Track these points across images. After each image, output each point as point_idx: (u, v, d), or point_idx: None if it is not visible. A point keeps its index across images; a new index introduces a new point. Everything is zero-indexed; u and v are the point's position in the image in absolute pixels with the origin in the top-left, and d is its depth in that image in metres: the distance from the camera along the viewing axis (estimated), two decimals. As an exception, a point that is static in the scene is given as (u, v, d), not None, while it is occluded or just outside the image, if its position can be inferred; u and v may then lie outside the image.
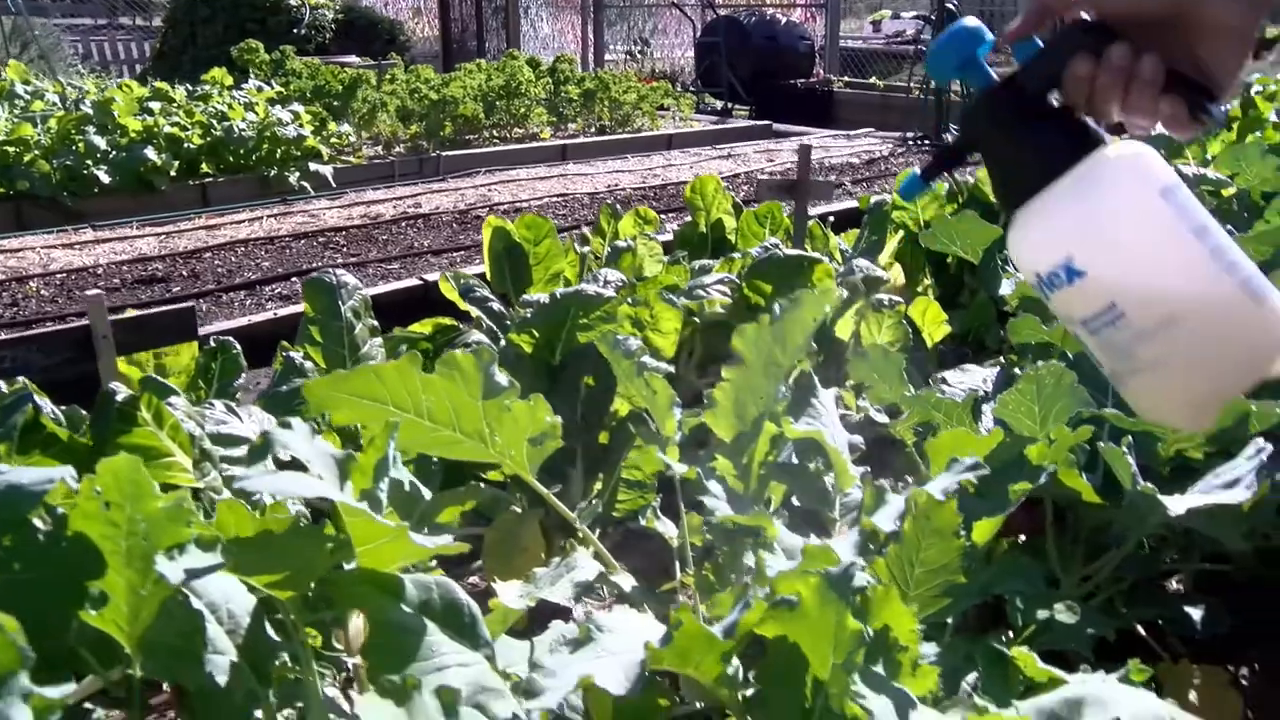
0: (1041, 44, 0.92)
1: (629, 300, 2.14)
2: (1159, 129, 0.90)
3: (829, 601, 0.90)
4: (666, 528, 1.84)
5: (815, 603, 0.91)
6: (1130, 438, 1.66)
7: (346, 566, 1.11)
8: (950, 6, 9.74)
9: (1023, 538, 1.79)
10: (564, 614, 2.17)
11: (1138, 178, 0.87)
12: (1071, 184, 0.88)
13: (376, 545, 1.06)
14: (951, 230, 2.68)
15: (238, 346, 2.31)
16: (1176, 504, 1.37)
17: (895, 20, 20.85)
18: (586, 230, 2.87)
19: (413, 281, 4.34)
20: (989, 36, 0.94)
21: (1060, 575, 1.74)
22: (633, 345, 1.78)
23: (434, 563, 2.24)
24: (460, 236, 5.31)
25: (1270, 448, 1.43)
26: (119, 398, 1.56)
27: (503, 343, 2.07)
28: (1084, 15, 0.89)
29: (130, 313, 2.29)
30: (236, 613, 1.15)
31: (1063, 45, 0.90)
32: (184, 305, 1.80)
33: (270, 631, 1.20)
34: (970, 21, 0.96)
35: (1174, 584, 2.08)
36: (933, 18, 9.87)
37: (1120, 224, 0.86)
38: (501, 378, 1.57)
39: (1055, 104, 0.92)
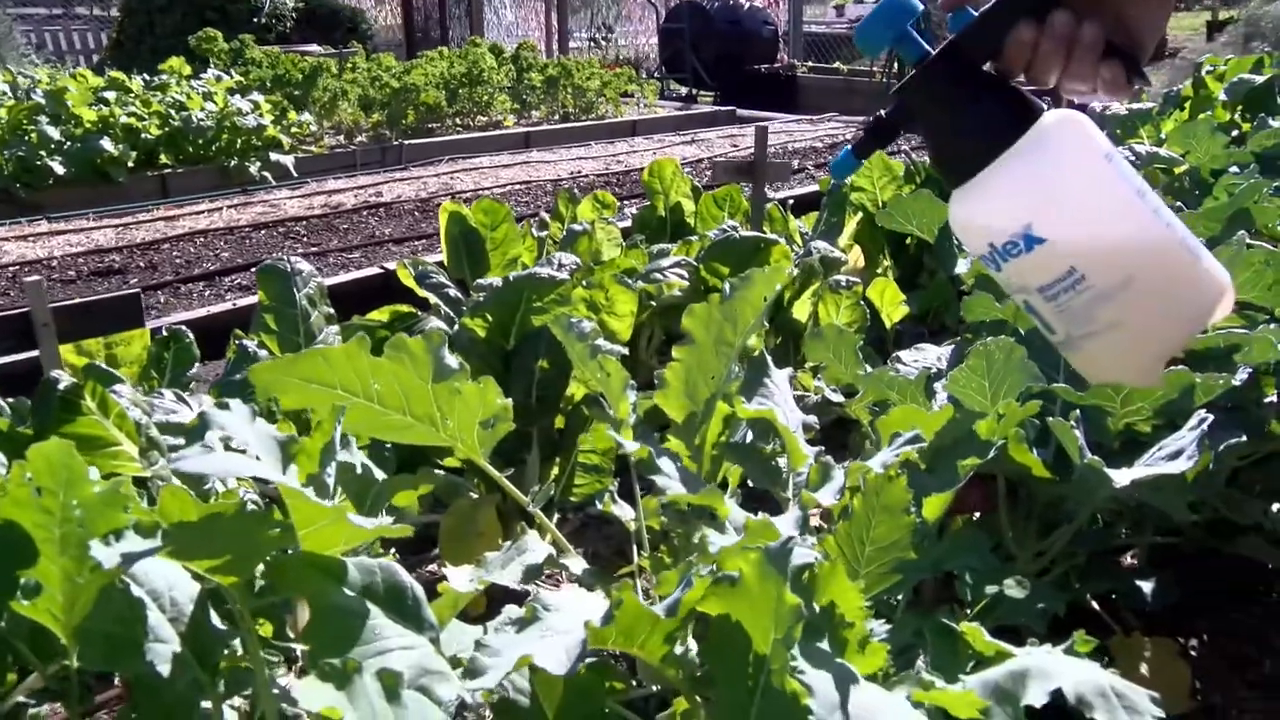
0: (975, 13, 0.91)
1: (584, 283, 2.13)
2: (1094, 95, 0.92)
3: (768, 577, 0.89)
4: (623, 511, 1.84)
5: (755, 578, 0.91)
6: (1079, 412, 1.68)
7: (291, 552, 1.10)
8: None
9: (977, 515, 1.81)
10: (522, 599, 2.17)
11: (1085, 143, 0.89)
12: (1022, 154, 0.88)
13: (317, 528, 1.05)
14: (907, 209, 2.68)
15: (190, 336, 2.29)
16: (1121, 476, 1.38)
17: (858, 4, 20.87)
18: (545, 215, 2.86)
19: (373, 270, 4.31)
20: (919, 7, 0.93)
21: (1015, 550, 1.75)
22: (586, 328, 1.77)
23: (394, 550, 2.24)
24: (422, 225, 5.27)
25: (1212, 418, 1.44)
26: (61, 386, 1.54)
27: (456, 327, 2.05)
28: None
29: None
30: (179, 600, 1.14)
31: (1004, 12, 0.89)
32: (130, 291, 1.78)
33: (217, 620, 1.19)
34: None
35: (1129, 558, 2.10)
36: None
37: (1077, 189, 0.88)
38: (452, 360, 1.55)
39: (992, 73, 0.92)
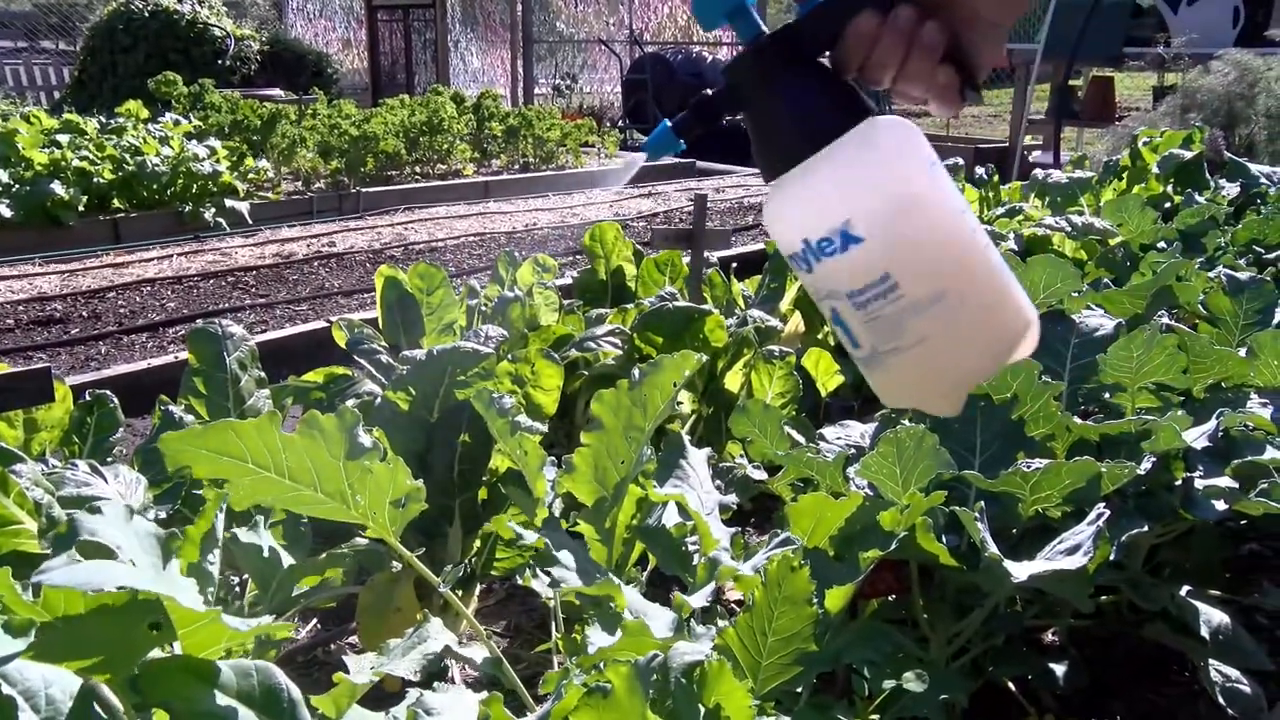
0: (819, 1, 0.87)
1: (510, 356, 2.13)
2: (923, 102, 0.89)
3: (636, 692, 0.89)
4: (543, 587, 1.83)
5: (625, 692, 0.91)
6: (990, 498, 1.69)
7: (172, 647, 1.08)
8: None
9: (892, 596, 1.81)
10: (441, 674, 2.14)
11: (913, 147, 0.85)
12: (849, 147, 0.85)
13: (194, 629, 1.03)
14: (839, 283, 2.71)
15: (114, 401, 2.26)
16: (1020, 571, 1.39)
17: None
18: (474, 281, 2.86)
19: (319, 324, 4.29)
20: None
21: (929, 633, 1.76)
22: (508, 404, 1.77)
23: (313, 625, 2.21)
24: (372, 277, 5.25)
25: (1108, 513, 1.46)
26: (-39, 465, 1.52)
27: (379, 400, 2.05)
28: None
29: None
30: (57, 698, 1.12)
31: (848, 1, 0.85)
32: (40, 366, 1.76)
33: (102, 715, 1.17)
34: None
35: (1051, 635, 2.12)
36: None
37: (900, 193, 0.83)
38: (365, 439, 1.55)
39: (826, 65, 0.88)
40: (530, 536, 1.34)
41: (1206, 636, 1.70)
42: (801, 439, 2.31)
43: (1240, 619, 1.96)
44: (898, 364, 0.85)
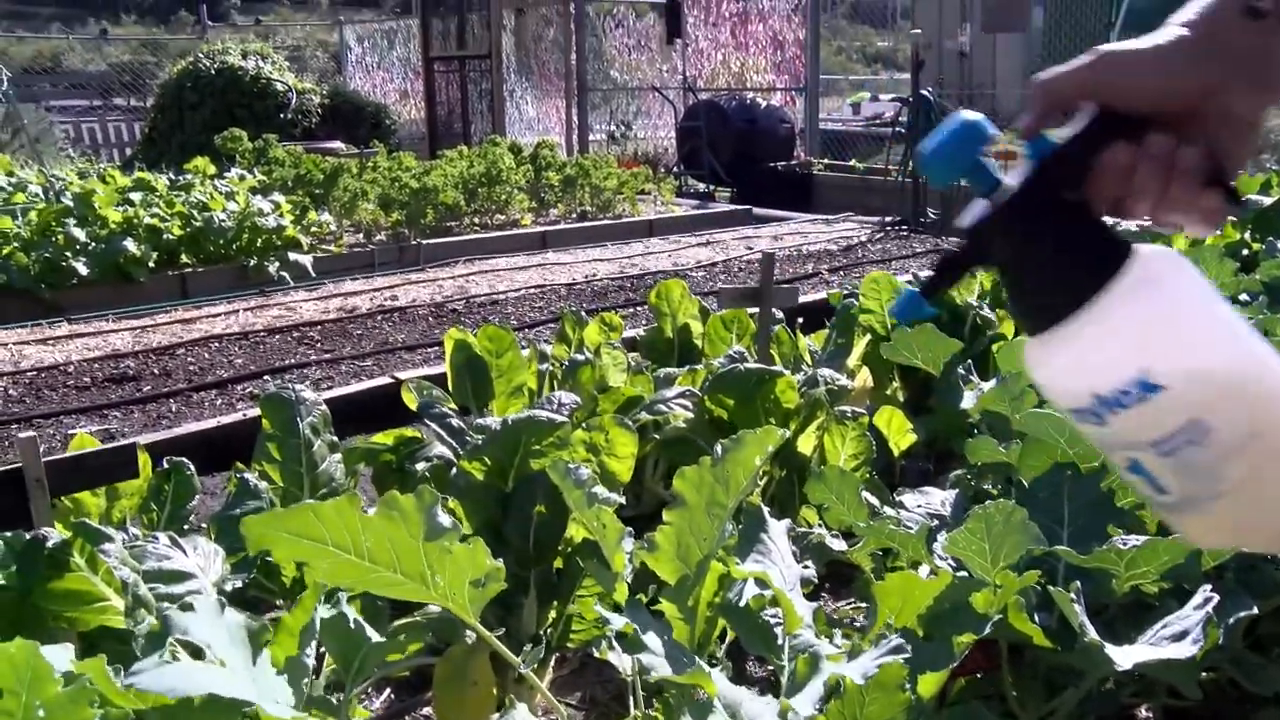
0: (1055, 140, 0.82)
1: (584, 425, 2.12)
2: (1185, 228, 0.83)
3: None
4: (621, 660, 1.80)
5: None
6: (1084, 575, 1.64)
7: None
8: (925, 93, 9.92)
9: (981, 674, 1.76)
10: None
11: (1196, 282, 0.80)
12: (1130, 293, 0.79)
13: (285, 731, 1.02)
14: (912, 342, 2.68)
15: (190, 468, 2.28)
16: (1124, 658, 1.34)
17: (874, 102, 21.20)
18: (545, 346, 2.86)
19: (385, 380, 4.32)
20: (991, 131, 0.84)
21: (1018, 712, 1.71)
22: (584, 475, 1.76)
23: (386, 696, 2.20)
24: (435, 331, 5.30)
25: (1216, 598, 1.41)
26: (50, 544, 1.53)
27: (454, 470, 2.04)
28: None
29: (83, 437, 2.27)
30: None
31: (1095, 136, 0.80)
32: (126, 443, 1.78)
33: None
34: (968, 115, 0.85)
35: (1144, 711, 2.04)
36: (910, 100, 10.02)
37: (1197, 330, 0.78)
38: (444, 519, 1.54)
39: (1075, 204, 0.82)
40: (617, 621, 1.31)
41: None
42: (877, 502, 2.27)
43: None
44: (1218, 508, 0.79)
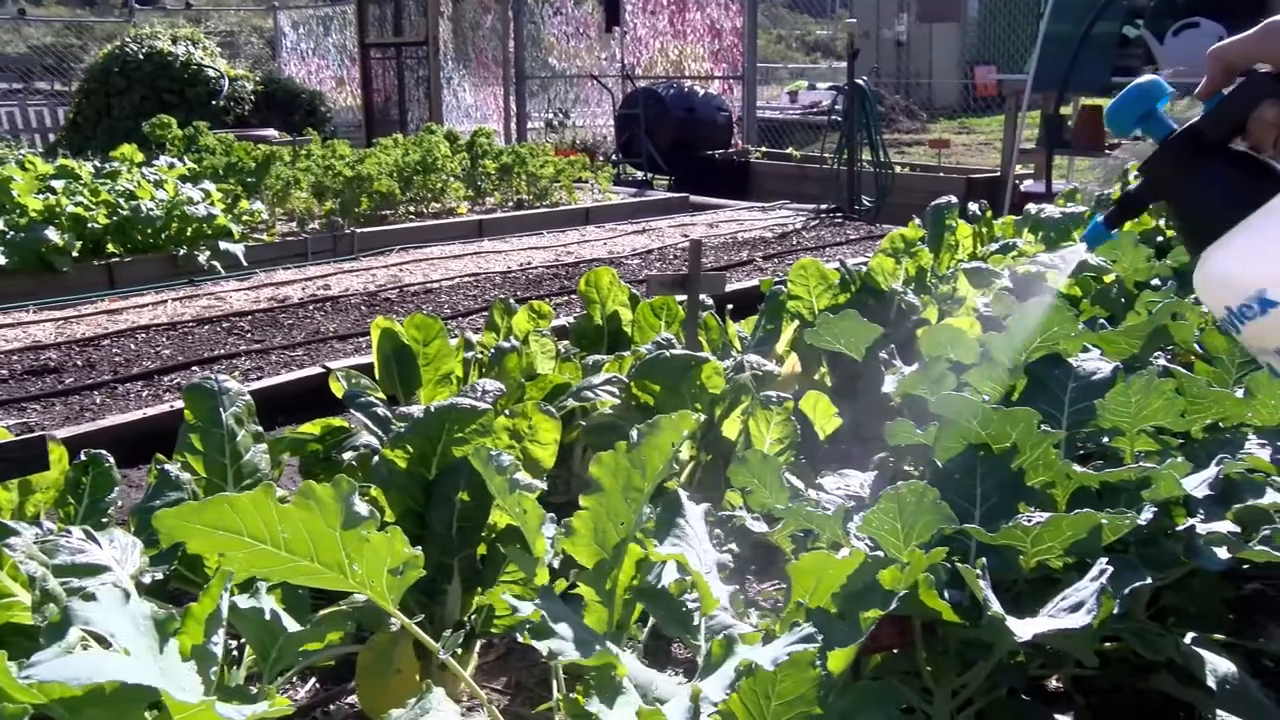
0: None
1: (507, 411, 2.12)
2: None
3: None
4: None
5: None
6: (993, 551, 1.69)
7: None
8: (860, 82, 10.02)
9: (896, 651, 1.80)
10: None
11: None
12: (1262, 219, 0.95)
13: (188, 717, 1.02)
14: (835, 329, 2.72)
15: (109, 460, 2.25)
16: (1024, 630, 1.38)
17: (811, 91, 21.36)
18: (472, 334, 2.86)
19: (315, 370, 4.29)
20: (1168, 89, 1.04)
21: (932, 687, 1.75)
22: (506, 461, 1.77)
23: (311, 685, 2.19)
24: (367, 320, 5.26)
25: (1111, 569, 1.46)
26: (-46, 538, 1.51)
27: (376, 460, 2.04)
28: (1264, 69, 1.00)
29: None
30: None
31: (1250, 92, 0.99)
32: (34, 436, 1.75)
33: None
34: (1147, 78, 1.05)
35: (1055, 683, 2.10)
36: (846, 89, 10.12)
37: None
38: (362, 507, 1.55)
39: (1236, 149, 1.02)
40: (526, 608, 1.33)
41: (1214, 686, 1.68)
42: (801, 485, 2.30)
43: (1246, 664, 1.95)
44: None
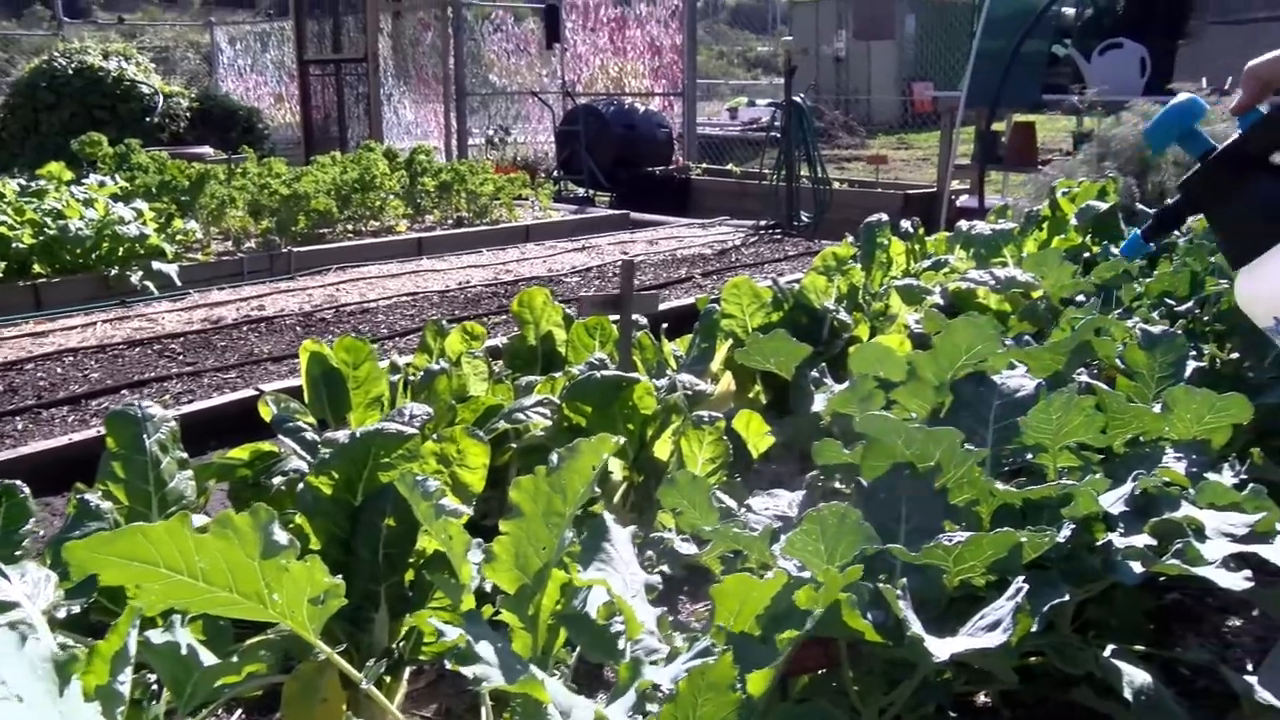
0: (1263, 113, 1.04)
1: (435, 436, 2.11)
2: None
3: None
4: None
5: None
6: (911, 573, 1.70)
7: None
8: (798, 99, 10.13)
9: (823, 671, 1.81)
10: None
11: None
12: None
13: (91, 763, 1.00)
14: (765, 348, 2.74)
15: (25, 490, 2.19)
16: (942, 650, 1.40)
17: (751, 107, 21.56)
18: (399, 357, 2.84)
19: (248, 393, 4.22)
20: (1205, 107, 1.07)
21: (859, 707, 1.76)
22: (431, 486, 1.75)
23: (238, 717, 2.15)
24: (303, 341, 5.17)
25: (1027, 587, 1.48)
26: None
27: (300, 487, 2.01)
28: None
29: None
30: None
31: None
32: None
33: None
34: (1185, 96, 1.08)
35: (983, 698, 2.13)
36: (785, 105, 10.21)
37: None
38: (281, 536, 1.53)
39: (1276, 163, 1.05)
40: (451, 633, 1.32)
41: (1130, 698, 1.71)
42: (734, 504, 2.31)
43: (1163, 674, 1.99)
44: None
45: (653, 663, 1.36)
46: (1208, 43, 8.60)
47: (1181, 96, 1.07)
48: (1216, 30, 8.65)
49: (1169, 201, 1.11)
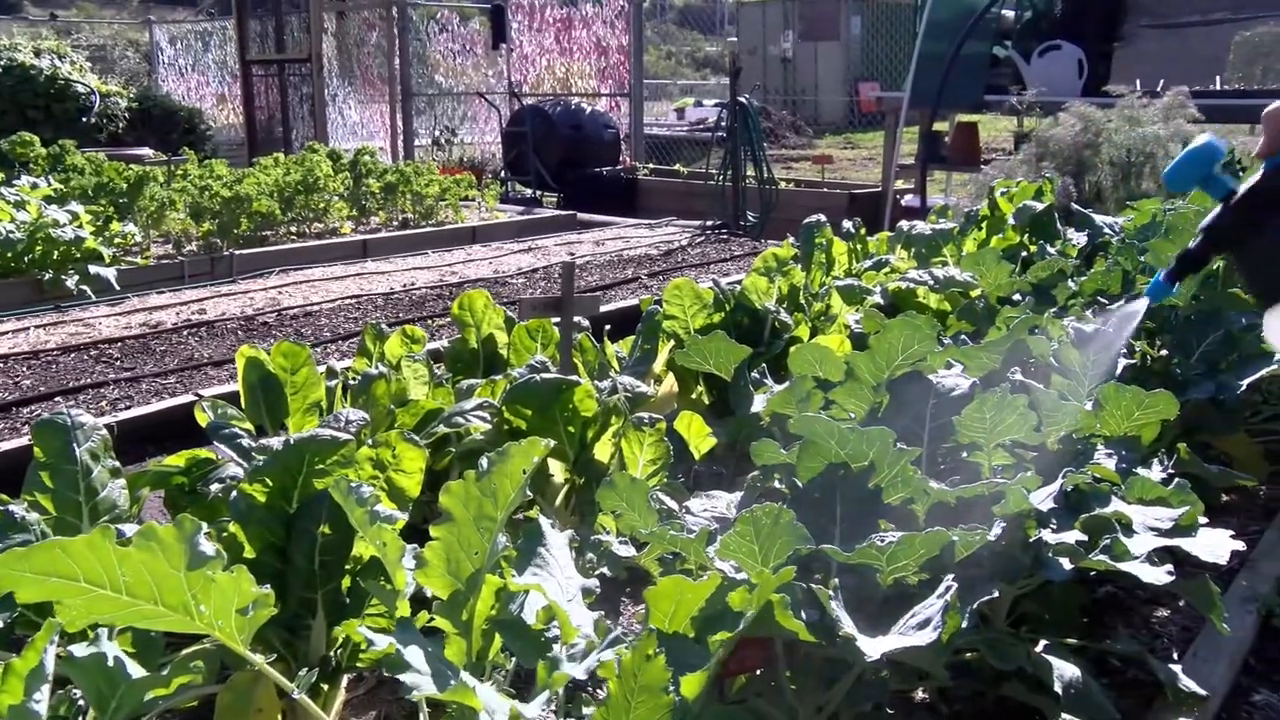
0: None
1: (370, 440, 2.09)
2: None
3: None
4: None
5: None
6: (846, 572, 1.72)
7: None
8: (744, 99, 10.18)
9: (759, 671, 1.82)
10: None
11: None
12: None
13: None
14: (704, 349, 2.75)
15: (-53, 502, 2.14)
16: (874, 649, 1.41)
17: (698, 108, 21.63)
18: (336, 362, 2.81)
19: (187, 399, 4.16)
20: (1224, 150, 1.09)
21: (796, 705, 1.77)
22: (366, 493, 1.74)
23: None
24: (244, 345, 5.11)
25: (956, 585, 1.49)
26: None
27: (234, 494, 1.98)
28: None
29: None
30: None
31: None
32: None
33: None
34: (1204, 138, 1.11)
35: (921, 693, 2.15)
36: (730, 106, 10.25)
37: None
38: (207, 546, 1.50)
39: None
40: (381, 642, 1.30)
41: (1059, 692, 1.74)
42: (675, 506, 2.31)
43: (1094, 667, 2.03)
44: None
45: (571, 659, 1.36)
46: (1141, 46, 8.77)
47: (1200, 139, 1.11)
48: (1150, 34, 8.83)
49: (1190, 245, 1.17)
